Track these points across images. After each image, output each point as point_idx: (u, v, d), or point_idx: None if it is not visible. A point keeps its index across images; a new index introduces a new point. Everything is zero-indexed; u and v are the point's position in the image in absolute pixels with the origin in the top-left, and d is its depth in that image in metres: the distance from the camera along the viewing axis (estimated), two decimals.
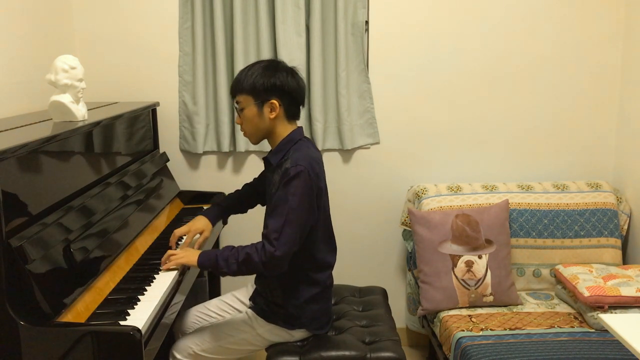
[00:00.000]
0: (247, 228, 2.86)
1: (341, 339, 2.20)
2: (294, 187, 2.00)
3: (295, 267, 2.11)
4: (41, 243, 1.70)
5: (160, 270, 2.10)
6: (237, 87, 2.12)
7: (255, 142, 2.19)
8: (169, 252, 2.14)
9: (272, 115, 2.09)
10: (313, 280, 2.17)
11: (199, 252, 2.11)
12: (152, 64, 3.02)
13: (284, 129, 2.13)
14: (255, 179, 2.49)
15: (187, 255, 2.11)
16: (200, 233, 2.32)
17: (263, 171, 2.40)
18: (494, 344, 2.33)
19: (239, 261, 2.02)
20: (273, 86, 2.06)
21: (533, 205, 2.89)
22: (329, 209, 2.23)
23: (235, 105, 2.16)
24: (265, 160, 2.21)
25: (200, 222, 2.34)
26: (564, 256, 2.85)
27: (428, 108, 3.10)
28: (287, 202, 1.99)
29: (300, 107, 2.18)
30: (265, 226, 2.06)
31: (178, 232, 2.29)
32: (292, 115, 2.15)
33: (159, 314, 1.84)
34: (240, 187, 2.51)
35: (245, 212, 2.51)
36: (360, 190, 3.16)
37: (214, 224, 2.39)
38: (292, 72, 2.12)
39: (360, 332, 2.27)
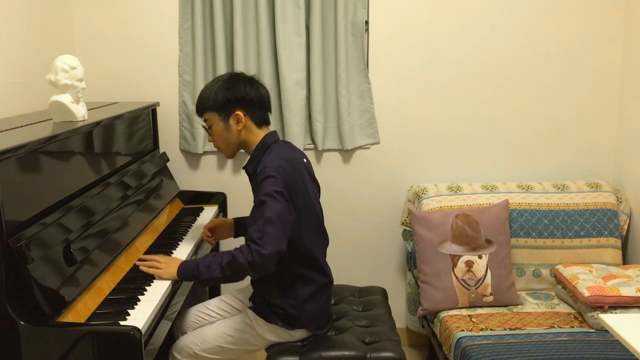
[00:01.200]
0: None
1: (341, 339, 2.20)
2: (265, 188, 2.01)
3: (289, 266, 2.11)
4: (41, 243, 1.71)
5: (140, 267, 2.08)
6: (201, 106, 2.15)
7: (230, 156, 2.23)
8: (157, 257, 2.12)
9: (240, 127, 2.12)
10: (309, 278, 2.17)
11: (178, 263, 2.08)
12: (152, 64, 3.02)
13: (256, 136, 2.16)
14: None
15: (167, 268, 2.07)
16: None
17: None
18: (494, 344, 2.33)
19: (222, 265, 1.99)
20: (234, 98, 2.10)
21: (533, 205, 2.89)
22: (317, 206, 2.22)
23: (203, 124, 2.19)
24: (245, 170, 2.22)
25: (228, 227, 2.47)
26: (564, 256, 2.85)
27: (428, 108, 3.10)
28: (263, 203, 2.00)
29: (268, 113, 2.21)
30: (249, 231, 2.05)
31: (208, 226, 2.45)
32: (260, 121, 2.17)
33: (159, 314, 1.85)
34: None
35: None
36: (360, 191, 3.16)
37: (236, 223, 2.48)
38: (251, 81, 2.15)
39: (360, 332, 2.27)
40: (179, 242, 2.39)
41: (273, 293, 2.16)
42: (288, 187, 2.04)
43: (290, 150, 2.19)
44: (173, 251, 2.31)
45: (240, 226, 2.48)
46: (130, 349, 1.59)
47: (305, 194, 2.14)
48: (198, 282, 2.08)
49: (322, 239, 2.26)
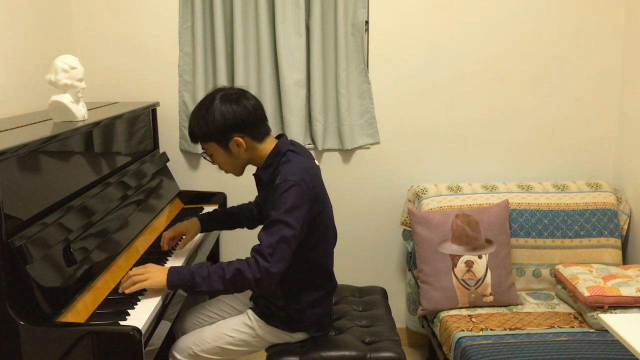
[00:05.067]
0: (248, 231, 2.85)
1: (341, 339, 2.20)
2: (286, 204, 1.93)
3: (300, 272, 2.08)
4: (41, 243, 1.71)
5: (119, 292, 1.89)
6: (195, 137, 2.04)
7: (240, 174, 2.15)
8: (132, 272, 1.94)
9: (242, 150, 2.02)
10: (317, 285, 2.16)
11: (166, 270, 1.92)
12: (152, 64, 3.02)
13: (263, 150, 2.06)
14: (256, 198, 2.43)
15: (152, 276, 1.90)
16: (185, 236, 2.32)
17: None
18: (494, 344, 2.33)
19: (226, 278, 1.89)
20: (225, 125, 1.97)
21: (533, 205, 2.89)
22: (332, 214, 2.19)
23: (203, 152, 2.09)
24: (256, 176, 2.15)
25: (186, 223, 2.31)
26: (564, 256, 2.85)
27: (428, 108, 3.10)
28: (281, 220, 1.92)
29: (267, 122, 2.09)
30: (259, 241, 1.96)
31: (167, 235, 2.28)
32: (262, 137, 2.06)
33: (159, 314, 1.85)
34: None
35: (234, 228, 2.45)
36: (360, 190, 3.16)
37: (205, 228, 2.35)
38: (237, 99, 2.00)
39: (360, 332, 2.27)
40: (178, 242, 2.39)
41: (277, 294, 2.14)
42: (309, 199, 1.99)
43: (307, 158, 2.12)
44: (173, 251, 2.31)
45: (210, 223, 2.38)
46: (130, 349, 1.59)
47: (324, 202, 2.11)
48: (192, 293, 1.94)
49: (334, 246, 2.24)
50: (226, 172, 2.13)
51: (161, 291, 1.93)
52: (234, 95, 2.02)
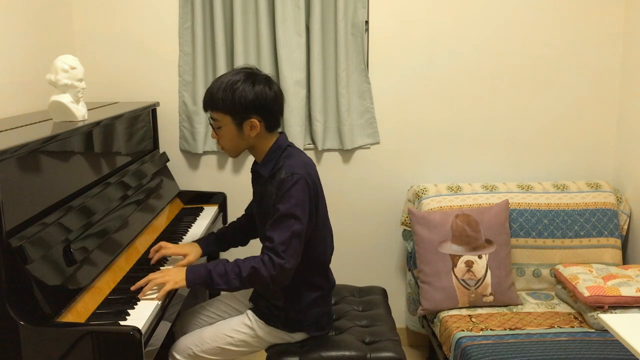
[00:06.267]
0: None
1: (341, 339, 2.20)
2: (294, 198, 1.94)
3: (298, 272, 2.08)
4: (41, 243, 1.70)
5: (140, 298, 1.87)
6: (212, 104, 1.99)
7: (235, 156, 2.13)
8: (150, 276, 1.94)
9: (253, 134, 2.01)
10: (315, 284, 2.16)
11: (183, 270, 1.97)
12: (152, 64, 3.02)
13: (267, 141, 2.06)
14: (243, 215, 2.40)
15: (172, 278, 1.93)
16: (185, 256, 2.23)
17: (250, 203, 2.32)
18: (494, 344, 2.33)
19: (243, 276, 1.94)
20: (252, 104, 1.95)
21: (533, 205, 2.89)
22: (327, 211, 2.20)
23: (210, 121, 2.04)
24: (254, 172, 2.14)
25: (188, 247, 2.25)
26: (564, 256, 2.85)
27: (428, 108, 3.10)
28: (290, 214, 1.94)
29: (281, 116, 2.09)
30: (269, 239, 1.97)
31: (166, 251, 2.18)
32: (273, 127, 2.06)
33: (159, 314, 1.84)
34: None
35: (228, 249, 2.39)
36: (361, 190, 3.16)
37: (205, 252, 2.29)
38: (268, 82, 2.00)
39: (360, 332, 2.27)
40: (179, 242, 2.39)
41: (276, 295, 2.14)
42: (313, 194, 2.01)
43: (305, 155, 2.13)
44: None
45: (210, 246, 2.31)
46: (130, 349, 1.59)
47: (322, 199, 2.13)
48: (210, 289, 2.00)
49: (332, 244, 2.25)
50: (222, 148, 2.09)
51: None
52: (263, 79, 2.01)
